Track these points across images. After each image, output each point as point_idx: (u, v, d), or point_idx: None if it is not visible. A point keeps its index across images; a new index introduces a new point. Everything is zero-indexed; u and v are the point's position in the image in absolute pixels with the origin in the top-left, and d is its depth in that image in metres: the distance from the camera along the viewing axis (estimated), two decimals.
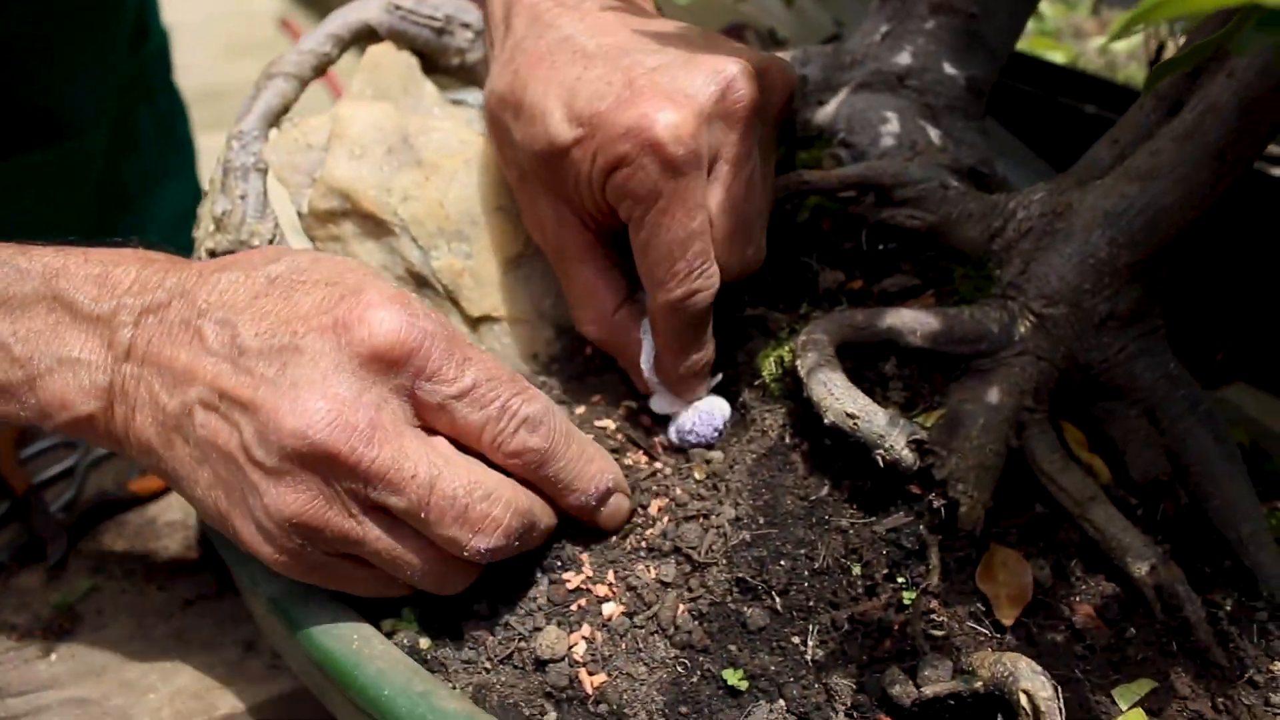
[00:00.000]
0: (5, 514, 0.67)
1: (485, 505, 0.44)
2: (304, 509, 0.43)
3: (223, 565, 0.65)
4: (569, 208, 0.52)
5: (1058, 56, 1.00)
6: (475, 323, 0.57)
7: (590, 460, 0.48)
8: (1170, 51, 0.86)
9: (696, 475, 0.51)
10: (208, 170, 1.06)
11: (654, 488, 0.51)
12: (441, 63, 0.64)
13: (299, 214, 0.56)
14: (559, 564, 0.49)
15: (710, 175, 0.50)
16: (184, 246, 1.00)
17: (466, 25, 0.63)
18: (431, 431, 0.46)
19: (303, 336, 0.44)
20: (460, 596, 0.49)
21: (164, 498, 0.70)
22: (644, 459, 0.53)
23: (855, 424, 0.47)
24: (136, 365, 0.46)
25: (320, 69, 0.59)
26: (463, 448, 0.46)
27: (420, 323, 0.44)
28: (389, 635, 0.48)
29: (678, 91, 0.48)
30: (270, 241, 0.54)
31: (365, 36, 0.60)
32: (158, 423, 0.46)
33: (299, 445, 0.42)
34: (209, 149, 1.07)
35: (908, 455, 0.47)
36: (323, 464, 0.43)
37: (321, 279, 0.46)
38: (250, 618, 0.61)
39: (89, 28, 0.84)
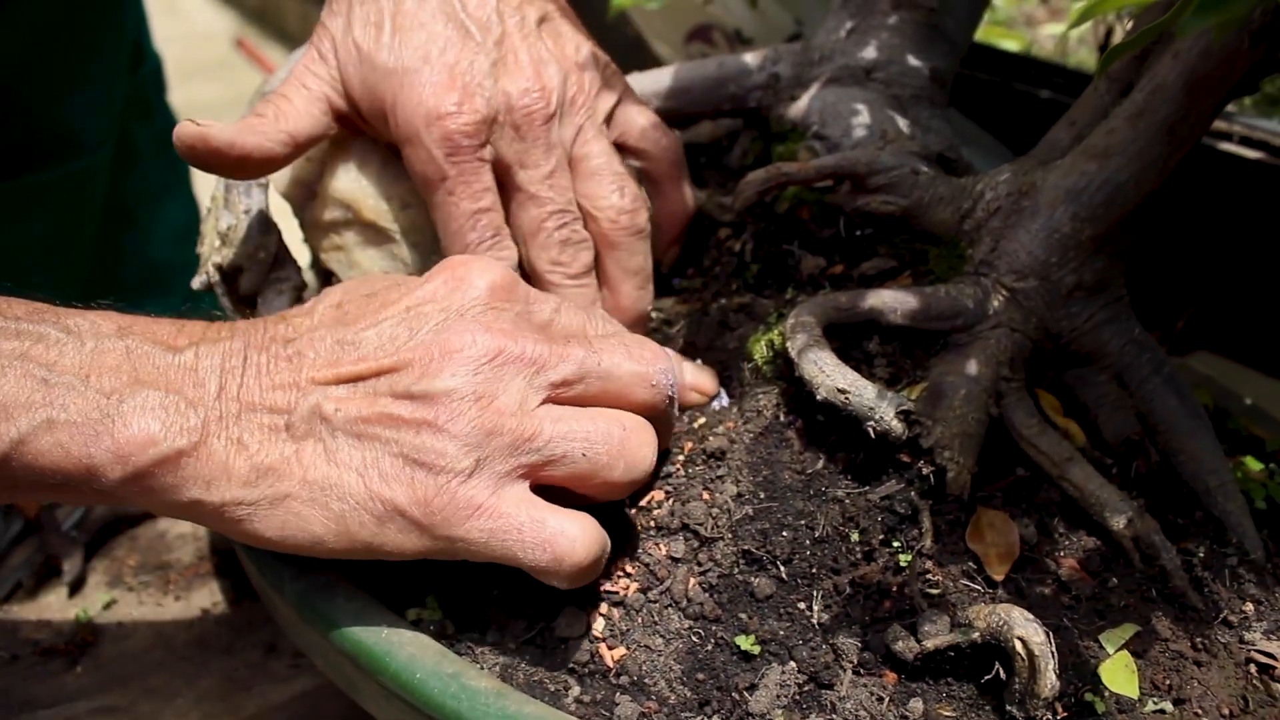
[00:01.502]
0: (19, 535, 0.68)
1: (629, 337, 0.51)
2: (481, 413, 0.45)
3: (237, 574, 0.67)
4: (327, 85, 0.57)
5: (1011, 44, 1.04)
6: None
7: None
8: (1119, 36, 0.90)
9: (698, 457, 0.54)
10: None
11: (660, 470, 0.54)
12: None
13: (301, 225, 0.58)
14: None
15: (511, 176, 0.57)
16: (185, 261, 1.01)
17: None
18: None
19: (419, 309, 0.47)
20: (480, 585, 0.51)
21: None
22: None
23: (847, 399, 0.50)
24: (233, 401, 0.46)
25: None
26: None
27: (506, 265, 0.51)
28: (414, 623, 0.50)
29: (477, 88, 0.55)
30: (274, 254, 0.56)
31: None
32: (279, 439, 0.45)
33: (471, 353, 0.45)
34: None
35: (897, 426, 0.50)
36: (492, 363, 0.45)
37: (387, 285, 0.49)
38: (269, 621, 0.63)
39: (92, 49, 0.85)
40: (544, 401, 0.47)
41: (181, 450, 0.44)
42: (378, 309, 0.47)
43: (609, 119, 0.61)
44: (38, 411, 0.43)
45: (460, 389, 0.45)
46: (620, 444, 0.47)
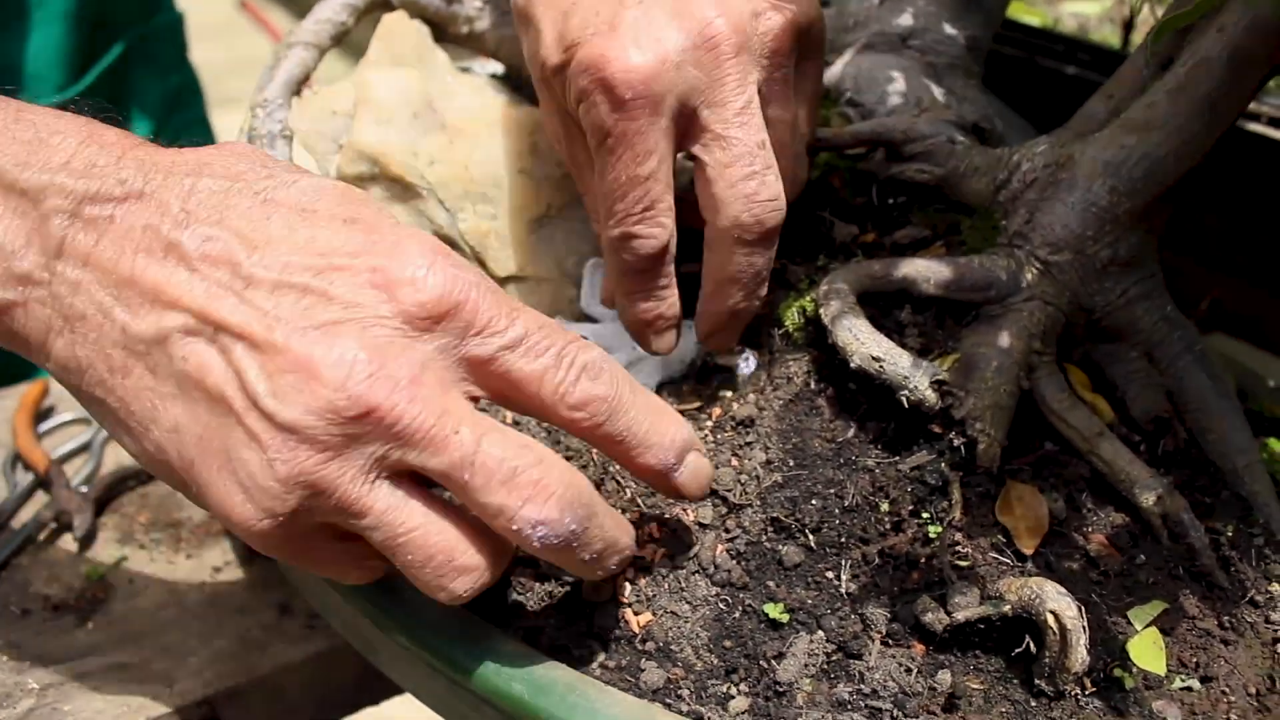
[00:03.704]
0: (29, 489, 0.67)
1: (537, 471, 0.40)
2: (317, 468, 0.38)
3: None
4: (571, 120, 0.52)
5: (1033, 20, 1.03)
6: (502, 282, 0.58)
7: (661, 412, 0.44)
8: (1145, 13, 0.89)
9: (727, 423, 0.53)
10: None
11: None
12: (450, 31, 0.65)
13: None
14: None
15: (693, 119, 0.50)
16: None
17: None
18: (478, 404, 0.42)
19: (331, 280, 0.39)
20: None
21: None
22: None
23: (881, 367, 0.49)
24: (76, 268, 0.39)
25: (338, 37, 0.60)
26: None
27: (465, 274, 0.40)
28: None
29: (648, 35, 0.48)
30: None
31: (379, 5, 0.61)
32: (109, 342, 0.39)
33: (335, 399, 0.37)
34: None
35: (931, 396, 0.49)
36: (354, 420, 0.38)
37: (337, 213, 0.41)
38: (282, 581, 0.62)
39: None
40: (388, 477, 0.40)
41: None
42: (301, 250, 0.39)
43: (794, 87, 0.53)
44: None
45: (303, 432, 0.38)
46: (435, 575, 0.40)
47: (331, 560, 0.43)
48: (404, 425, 0.38)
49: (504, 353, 0.41)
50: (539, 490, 0.40)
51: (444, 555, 0.40)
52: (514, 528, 0.40)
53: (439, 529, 0.40)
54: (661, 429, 0.43)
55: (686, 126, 0.50)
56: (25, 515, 0.66)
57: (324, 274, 0.39)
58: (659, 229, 0.50)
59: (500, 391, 0.42)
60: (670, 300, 0.52)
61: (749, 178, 0.50)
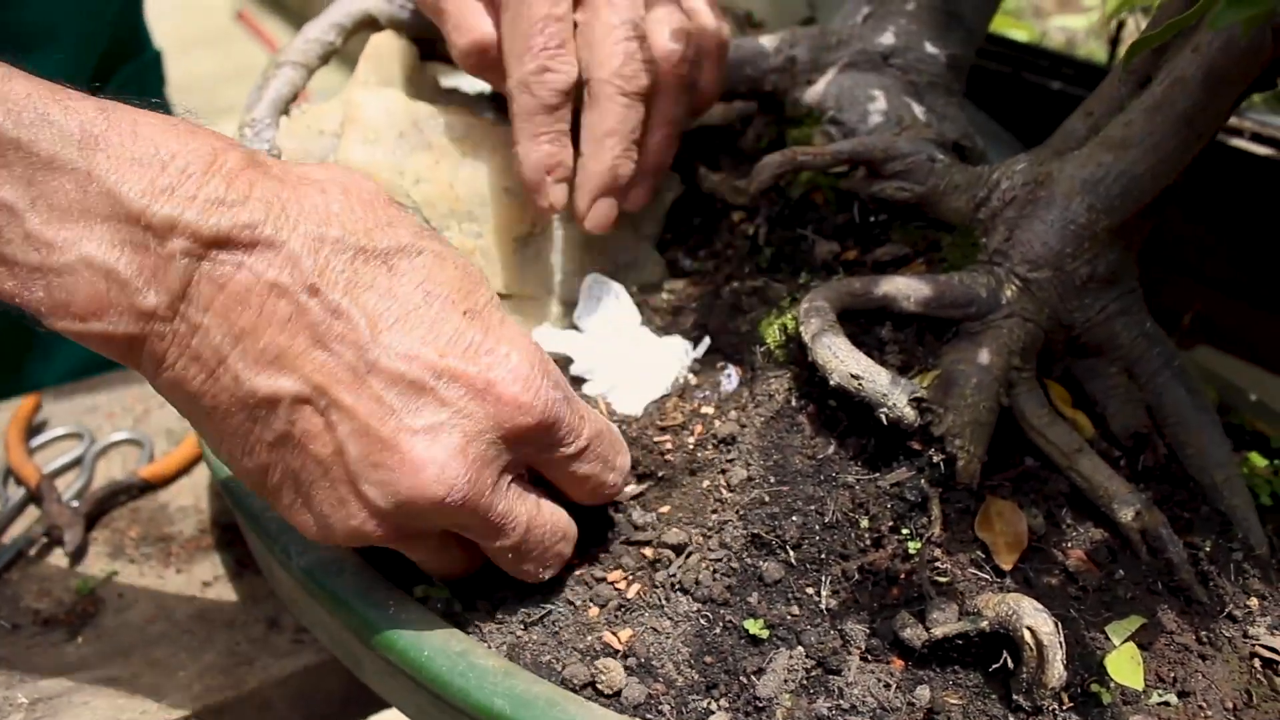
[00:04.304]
0: (20, 504, 0.68)
1: (560, 545, 0.48)
2: (387, 538, 0.44)
3: (238, 547, 0.67)
4: None
5: (1020, 35, 1.04)
6: None
7: None
8: (1131, 28, 0.90)
9: (709, 441, 0.54)
10: None
11: (670, 455, 0.53)
12: (439, 50, 0.65)
13: None
14: None
15: None
16: None
17: None
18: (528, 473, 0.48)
19: (447, 384, 0.42)
20: (487, 565, 0.51)
21: (174, 484, 0.71)
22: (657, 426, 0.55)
23: (859, 385, 0.50)
24: (200, 312, 0.40)
25: (325, 57, 0.60)
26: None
27: (557, 394, 0.45)
28: (422, 600, 0.50)
29: None
30: None
31: (367, 25, 0.62)
32: (220, 387, 0.41)
33: (431, 503, 0.42)
34: None
35: (909, 413, 0.50)
36: (436, 512, 0.43)
37: (457, 300, 0.43)
38: (271, 595, 0.63)
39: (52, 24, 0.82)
40: (432, 539, 0.47)
41: (110, 334, 0.40)
42: (421, 343, 0.42)
43: None
44: None
45: (391, 519, 0.43)
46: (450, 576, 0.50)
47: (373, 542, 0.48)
48: (478, 520, 0.45)
49: (567, 460, 0.47)
50: (556, 559, 0.49)
51: (460, 573, 0.49)
52: (532, 579, 0.49)
53: (459, 561, 0.49)
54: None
55: None
56: (16, 530, 0.67)
57: (441, 376, 0.42)
58: (569, 65, 0.56)
59: (546, 473, 0.48)
60: (568, 149, 0.57)
61: (630, 39, 0.57)
